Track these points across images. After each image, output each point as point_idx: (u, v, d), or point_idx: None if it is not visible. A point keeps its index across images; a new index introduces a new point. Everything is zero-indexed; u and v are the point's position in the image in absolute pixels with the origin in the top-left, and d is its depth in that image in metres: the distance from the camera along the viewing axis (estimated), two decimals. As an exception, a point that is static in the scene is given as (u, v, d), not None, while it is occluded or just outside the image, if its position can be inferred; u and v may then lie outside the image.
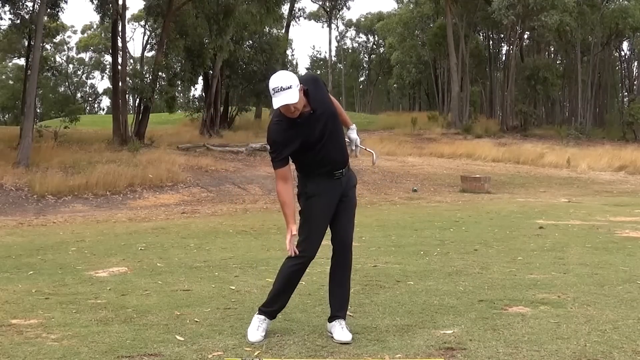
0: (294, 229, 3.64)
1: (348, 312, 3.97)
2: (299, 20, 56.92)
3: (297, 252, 3.67)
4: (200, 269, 6.34)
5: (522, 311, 4.32)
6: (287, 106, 3.49)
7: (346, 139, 3.91)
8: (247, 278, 5.73)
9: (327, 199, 3.73)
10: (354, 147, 3.96)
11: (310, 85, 3.66)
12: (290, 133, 3.59)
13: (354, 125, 4.01)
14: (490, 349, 3.45)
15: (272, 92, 3.48)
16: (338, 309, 3.79)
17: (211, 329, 3.96)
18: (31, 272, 6.30)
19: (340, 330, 3.68)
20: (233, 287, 5.29)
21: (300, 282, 5.40)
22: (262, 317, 3.80)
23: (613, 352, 3.39)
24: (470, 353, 3.41)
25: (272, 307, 3.83)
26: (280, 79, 3.48)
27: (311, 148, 3.64)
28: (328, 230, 3.84)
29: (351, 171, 3.90)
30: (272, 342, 3.65)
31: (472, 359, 3.34)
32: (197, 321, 4.14)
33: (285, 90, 3.45)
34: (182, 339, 3.72)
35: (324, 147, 3.65)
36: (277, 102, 3.47)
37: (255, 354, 3.46)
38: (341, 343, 3.60)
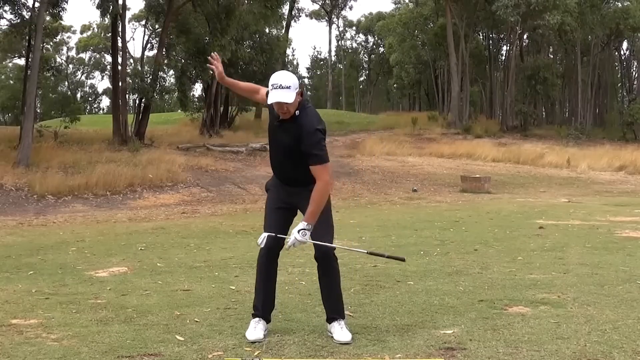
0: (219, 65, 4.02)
1: (348, 312, 3.98)
2: (299, 19, 57.13)
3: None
4: (200, 269, 6.33)
5: (522, 311, 4.32)
6: (280, 104, 3.60)
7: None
8: (247, 278, 5.72)
9: (280, 194, 3.88)
10: (287, 239, 3.68)
11: (303, 118, 3.64)
12: (272, 113, 3.80)
13: (308, 225, 3.57)
14: (490, 349, 3.45)
15: (270, 87, 3.60)
16: (333, 311, 3.81)
17: (211, 329, 3.95)
18: (31, 272, 6.29)
19: (340, 331, 3.68)
20: (233, 287, 5.29)
21: (300, 282, 5.44)
22: (257, 319, 3.81)
23: (613, 352, 3.39)
24: (470, 353, 3.40)
25: (257, 309, 3.84)
26: (282, 78, 3.60)
27: (270, 140, 3.88)
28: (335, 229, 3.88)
29: None
30: (272, 342, 3.65)
31: (472, 359, 3.34)
32: (197, 321, 4.14)
33: (284, 89, 3.56)
34: (182, 339, 3.72)
35: (277, 156, 3.83)
36: (273, 97, 3.58)
37: (255, 354, 3.46)
38: (341, 343, 3.60)
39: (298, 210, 3.89)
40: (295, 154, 3.67)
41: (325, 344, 3.61)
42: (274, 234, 3.75)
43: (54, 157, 19.44)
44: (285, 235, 3.78)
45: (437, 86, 48.78)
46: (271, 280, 3.88)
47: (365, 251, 4.15)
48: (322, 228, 3.70)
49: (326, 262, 3.79)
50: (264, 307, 3.84)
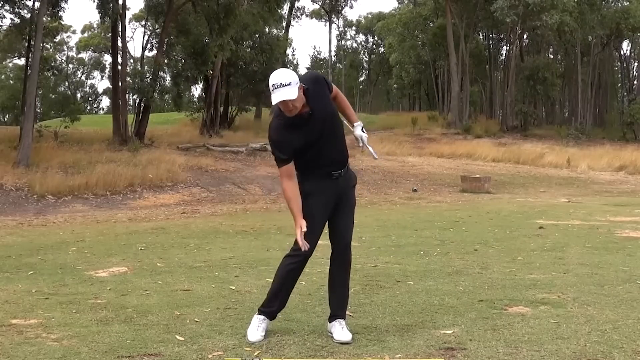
0: (303, 224, 3.57)
1: (348, 312, 3.97)
2: (299, 19, 57.17)
3: (308, 247, 3.62)
4: (200, 269, 6.33)
5: (522, 311, 4.32)
6: (285, 103, 3.50)
7: (354, 136, 3.95)
8: (247, 278, 5.73)
9: (323, 199, 3.73)
10: (360, 144, 3.94)
11: (310, 84, 3.65)
12: (291, 132, 3.61)
13: (360, 122, 3.96)
14: (490, 349, 3.45)
15: (271, 88, 3.50)
16: (338, 308, 3.79)
17: (211, 329, 3.95)
18: (31, 272, 6.29)
19: (340, 330, 3.68)
20: (233, 287, 5.29)
21: (300, 282, 5.42)
22: (262, 317, 3.80)
23: (613, 352, 3.39)
24: (470, 353, 3.40)
25: (271, 308, 3.82)
26: (280, 76, 3.50)
27: (310, 148, 3.65)
28: (325, 230, 3.85)
29: (351, 171, 3.89)
30: (272, 342, 3.65)
31: (472, 359, 3.33)
32: (197, 321, 4.14)
33: (285, 86, 3.46)
34: (182, 339, 3.71)
35: (323, 147, 3.66)
36: (276, 97, 3.48)
37: (255, 354, 3.46)
38: (341, 343, 3.60)
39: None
40: (335, 114, 3.74)
41: (325, 344, 3.60)
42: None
43: (54, 157, 19.45)
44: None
45: (437, 86, 48.81)
46: (293, 285, 3.88)
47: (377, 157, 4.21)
48: (351, 220, 3.83)
49: (346, 252, 3.81)
50: (279, 307, 3.86)
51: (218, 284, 5.44)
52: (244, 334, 3.75)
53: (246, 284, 5.44)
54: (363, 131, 3.94)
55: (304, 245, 3.57)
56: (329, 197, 3.74)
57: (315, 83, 3.69)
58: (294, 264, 3.77)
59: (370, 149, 3.98)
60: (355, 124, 3.94)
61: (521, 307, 4.44)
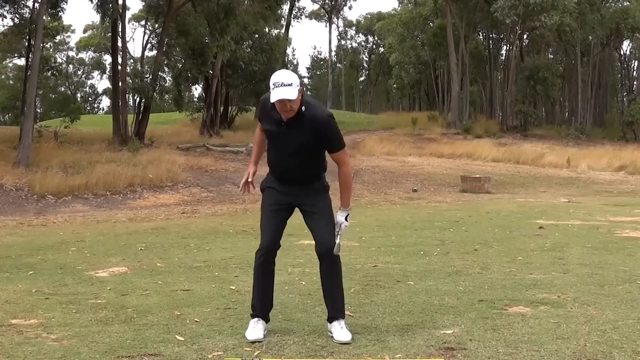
0: (251, 170, 3.98)
1: (348, 312, 3.97)
2: (300, 19, 57.20)
3: (246, 190, 4.01)
4: (200, 269, 6.33)
5: (522, 311, 4.32)
6: (283, 102, 3.56)
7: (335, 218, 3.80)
8: (247, 278, 5.70)
9: (275, 196, 3.84)
10: (336, 230, 3.77)
11: (311, 113, 3.64)
12: (268, 118, 3.76)
13: (349, 210, 3.82)
14: (490, 349, 3.45)
15: (272, 86, 3.58)
16: (335, 310, 3.80)
17: (211, 329, 3.95)
18: (31, 272, 6.29)
19: (340, 330, 3.68)
20: (233, 287, 5.29)
21: (300, 282, 5.44)
22: (256, 319, 3.81)
23: (613, 352, 3.39)
24: (470, 353, 3.40)
25: (256, 309, 3.84)
26: (282, 76, 3.59)
27: (274, 145, 3.81)
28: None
29: (323, 181, 3.91)
30: (272, 342, 3.65)
31: (472, 359, 3.34)
32: (197, 321, 4.14)
33: (285, 86, 3.54)
34: (182, 339, 3.72)
35: (287, 160, 3.76)
36: (275, 95, 3.56)
37: (255, 354, 3.46)
38: (341, 343, 3.60)
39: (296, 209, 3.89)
40: (309, 150, 3.71)
41: (325, 344, 3.60)
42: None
43: (54, 157, 19.45)
44: (280, 239, 3.87)
45: (437, 86, 48.78)
46: (269, 281, 3.88)
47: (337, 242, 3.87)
48: (326, 223, 3.78)
49: (331, 258, 3.78)
50: (262, 307, 3.84)
51: (218, 284, 5.44)
52: (244, 334, 3.76)
53: (246, 284, 5.42)
54: (347, 219, 3.79)
55: (242, 187, 4.00)
56: (282, 197, 3.83)
57: (317, 119, 3.66)
58: (261, 258, 3.83)
59: (339, 240, 3.74)
60: (342, 208, 3.81)
61: (521, 307, 4.44)
